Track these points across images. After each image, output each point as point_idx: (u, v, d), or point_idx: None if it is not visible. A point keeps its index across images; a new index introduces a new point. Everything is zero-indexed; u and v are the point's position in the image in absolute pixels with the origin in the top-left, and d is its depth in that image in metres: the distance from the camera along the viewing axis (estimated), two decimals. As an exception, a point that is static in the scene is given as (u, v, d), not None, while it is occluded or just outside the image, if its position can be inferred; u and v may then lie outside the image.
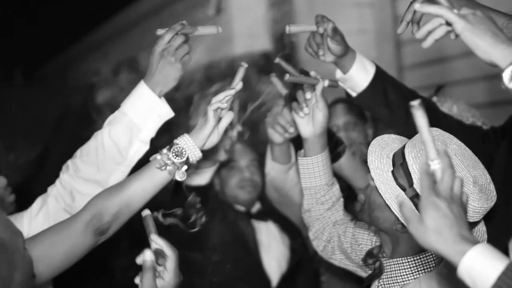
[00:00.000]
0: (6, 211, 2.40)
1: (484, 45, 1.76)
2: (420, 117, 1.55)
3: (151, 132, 2.47)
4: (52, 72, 11.07)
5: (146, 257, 1.94)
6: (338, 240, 2.64)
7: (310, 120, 2.54)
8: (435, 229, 1.51)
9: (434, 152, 1.56)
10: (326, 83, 2.55)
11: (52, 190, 2.45)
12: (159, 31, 2.45)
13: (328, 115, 2.57)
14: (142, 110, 2.44)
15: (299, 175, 2.67)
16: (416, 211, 1.55)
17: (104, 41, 9.86)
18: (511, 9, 2.48)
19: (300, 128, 2.57)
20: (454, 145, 2.10)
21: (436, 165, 1.55)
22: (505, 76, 1.71)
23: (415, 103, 1.54)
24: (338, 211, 2.68)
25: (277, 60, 2.66)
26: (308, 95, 2.52)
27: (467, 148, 2.12)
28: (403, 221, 2.04)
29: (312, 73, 2.57)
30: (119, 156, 2.42)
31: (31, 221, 2.37)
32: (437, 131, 2.14)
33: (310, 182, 2.63)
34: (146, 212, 2.07)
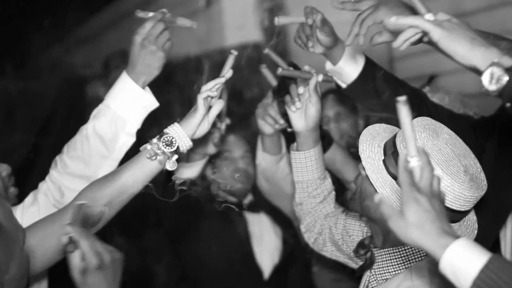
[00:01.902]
0: (10, 201, 2.40)
1: (462, 50, 1.77)
2: (404, 113, 1.56)
3: (137, 124, 2.45)
4: (43, 65, 11.01)
5: (62, 241, 1.91)
6: (329, 232, 2.64)
7: (303, 114, 2.53)
8: (417, 224, 1.51)
9: (414, 149, 1.57)
10: (320, 77, 2.54)
11: (42, 186, 2.44)
12: (140, 13, 2.43)
13: (321, 110, 2.56)
14: (126, 102, 2.41)
15: (291, 168, 2.67)
16: (396, 207, 1.55)
17: (93, 34, 9.82)
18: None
19: (292, 121, 2.56)
20: (445, 134, 2.10)
21: (415, 162, 1.56)
22: (484, 79, 1.72)
23: (402, 98, 1.55)
24: (330, 204, 2.68)
25: (267, 50, 2.65)
26: (301, 89, 2.51)
27: (458, 137, 2.12)
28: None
29: (306, 68, 2.56)
30: (105, 150, 2.40)
31: (22, 216, 2.36)
32: (428, 120, 2.14)
33: (302, 176, 2.63)
34: (82, 202, 2.03)
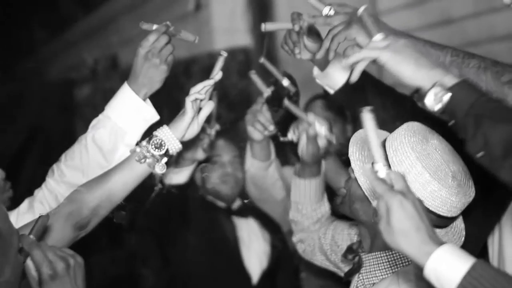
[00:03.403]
0: (4, 204, 2.38)
1: (408, 72, 1.82)
2: (368, 123, 1.60)
3: (136, 135, 2.43)
4: (29, 69, 10.98)
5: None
6: (319, 241, 2.65)
7: (299, 149, 2.56)
8: (402, 231, 1.53)
9: (381, 158, 1.59)
10: (323, 130, 2.54)
11: (38, 193, 2.42)
12: (144, 25, 2.41)
13: (315, 156, 2.56)
14: (126, 113, 2.39)
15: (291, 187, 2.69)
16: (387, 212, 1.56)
17: (81, 38, 9.80)
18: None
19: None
20: (435, 139, 2.10)
21: (384, 172, 1.58)
22: (428, 99, 1.77)
23: (366, 109, 1.60)
24: (323, 225, 2.68)
25: (262, 60, 2.65)
26: (291, 134, 2.55)
27: (447, 143, 2.13)
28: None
29: (311, 117, 2.56)
30: (104, 160, 2.39)
31: (17, 223, 2.34)
32: (418, 125, 2.15)
33: (298, 198, 2.65)
34: (43, 214, 2.01)
